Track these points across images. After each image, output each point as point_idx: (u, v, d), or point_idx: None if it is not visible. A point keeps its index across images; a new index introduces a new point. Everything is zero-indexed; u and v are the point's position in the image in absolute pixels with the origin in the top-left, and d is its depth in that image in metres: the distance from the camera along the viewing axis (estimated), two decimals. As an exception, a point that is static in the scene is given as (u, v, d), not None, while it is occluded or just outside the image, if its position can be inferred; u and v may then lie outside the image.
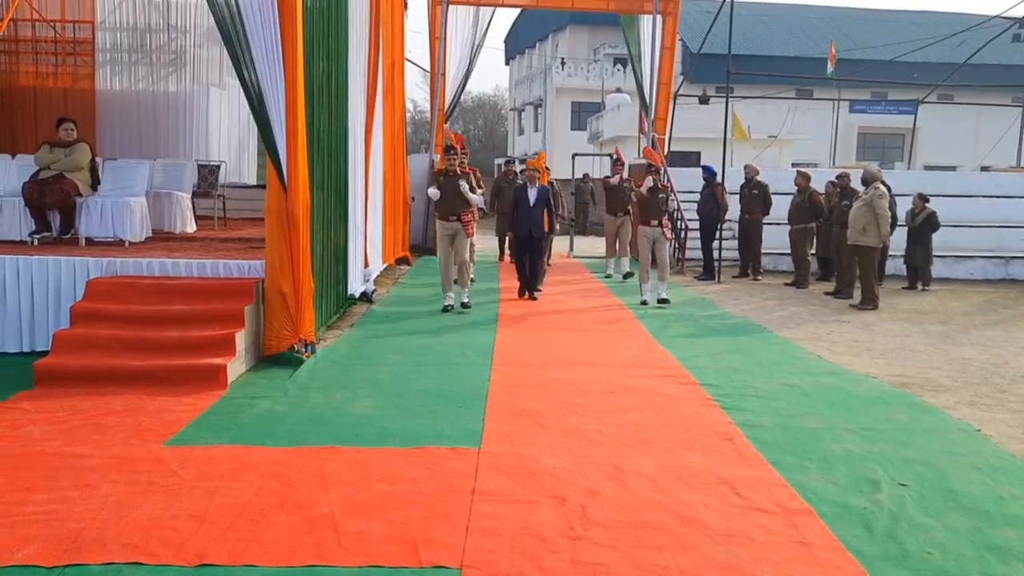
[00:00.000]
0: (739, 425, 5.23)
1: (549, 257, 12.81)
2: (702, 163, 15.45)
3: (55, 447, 4.70)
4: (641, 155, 18.21)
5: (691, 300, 10.95)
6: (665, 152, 15.65)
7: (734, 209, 13.83)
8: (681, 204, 14.66)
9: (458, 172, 9.63)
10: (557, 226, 11.75)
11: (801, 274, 12.58)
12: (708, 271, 13.29)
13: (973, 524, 3.76)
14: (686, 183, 15.78)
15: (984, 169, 27.38)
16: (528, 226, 10.23)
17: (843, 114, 31.72)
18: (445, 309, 9.57)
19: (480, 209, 10.43)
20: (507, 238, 14.20)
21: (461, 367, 6.79)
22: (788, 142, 29.49)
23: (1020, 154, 28.30)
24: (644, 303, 10.33)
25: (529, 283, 10.46)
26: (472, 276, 10.35)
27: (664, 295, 10.43)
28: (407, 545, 3.50)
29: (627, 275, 12.67)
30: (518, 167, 14.27)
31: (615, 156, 13.20)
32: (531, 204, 10.15)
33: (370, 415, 5.42)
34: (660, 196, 10.45)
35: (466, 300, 9.77)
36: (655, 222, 10.47)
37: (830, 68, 23.10)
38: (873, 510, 3.91)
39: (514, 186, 12.02)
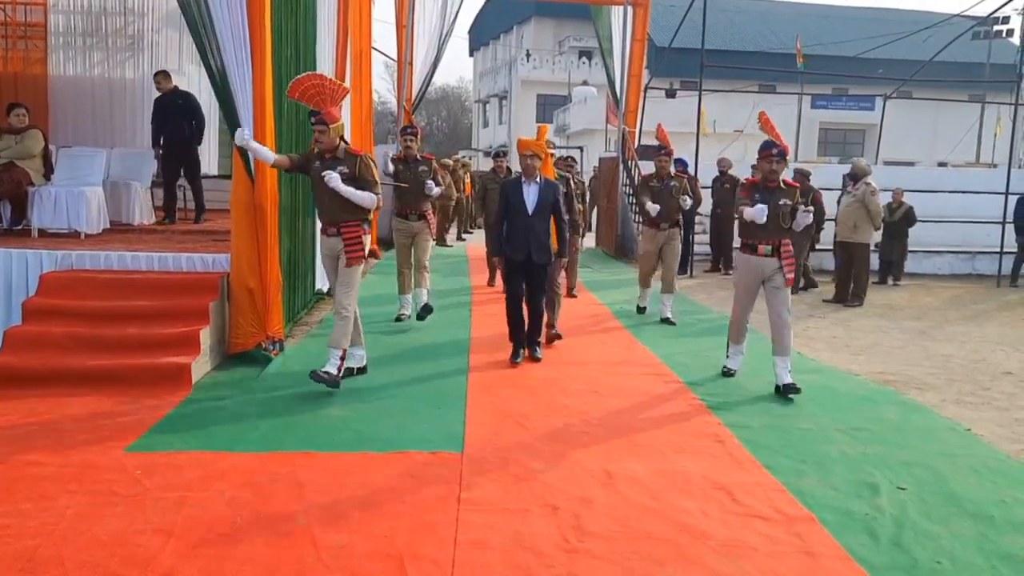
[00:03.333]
0: (729, 426, 5.08)
1: (571, 288, 9.93)
2: (675, 158, 15.34)
3: (6, 454, 4.38)
4: (614, 146, 18.11)
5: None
6: (636, 145, 15.53)
7: (706, 203, 13.74)
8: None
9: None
10: (569, 248, 7.88)
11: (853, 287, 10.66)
12: (681, 265, 13.19)
13: (979, 530, 3.65)
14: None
15: (942, 165, 27.83)
16: (525, 246, 6.46)
17: (805, 109, 31.99)
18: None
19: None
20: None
21: (438, 365, 6.56)
22: (751, 137, 29.65)
23: (979, 150, 28.83)
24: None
25: (528, 337, 6.76)
26: (428, 286, 8.20)
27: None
28: (392, 561, 3.28)
29: (664, 320, 8.65)
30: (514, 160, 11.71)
31: (659, 142, 8.91)
32: (529, 211, 6.46)
33: (345, 417, 5.17)
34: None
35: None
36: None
37: (800, 63, 23.20)
38: (876, 516, 3.78)
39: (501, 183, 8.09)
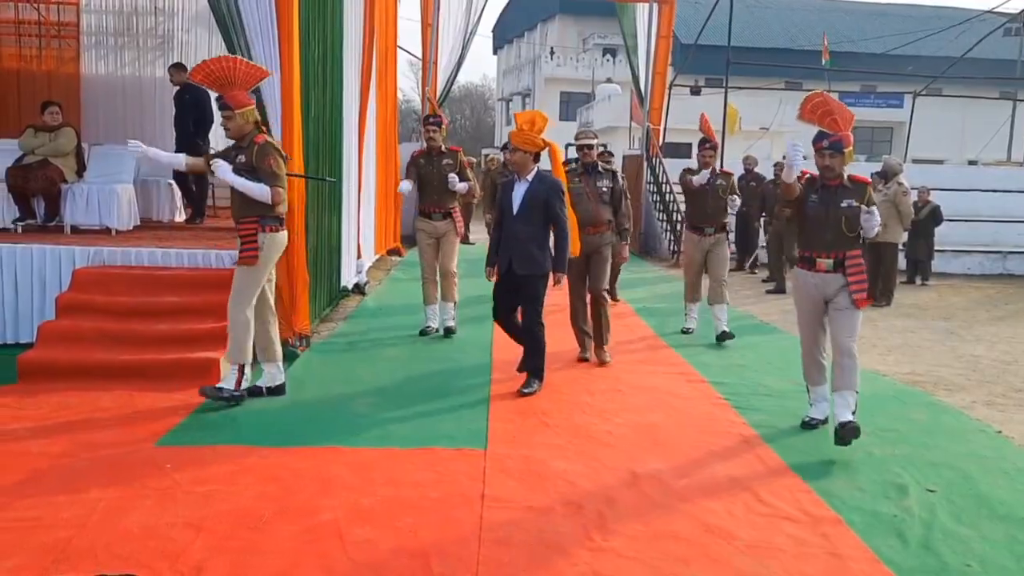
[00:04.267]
0: (754, 426, 5.06)
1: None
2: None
3: (40, 447, 4.46)
4: (638, 144, 18.05)
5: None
6: (660, 143, 15.47)
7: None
8: (677, 196, 14.49)
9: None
10: (617, 256, 6.86)
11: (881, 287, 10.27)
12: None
13: (1010, 533, 3.60)
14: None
15: (972, 163, 27.42)
16: (506, 254, 5.66)
17: (833, 107, 31.60)
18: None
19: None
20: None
21: (460, 362, 6.59)
22: (779, 134, 29.40)
23: (1010, 148, 28.38)
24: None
25: (523, 363, 5.84)
26: (456, 298, 7.55)
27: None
28: (417, 557, 3.30)
29: (722, 336, 7.53)
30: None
31: (703, 136, 7.78)
32: (514, 212, 5.66)
33: (370, 413, 5.21)
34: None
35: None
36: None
37: (825, 60, 22.98)
38: (904, 518, 3.74)
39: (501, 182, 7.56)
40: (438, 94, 15.92)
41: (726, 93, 13.32)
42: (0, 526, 3.46)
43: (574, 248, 5.92)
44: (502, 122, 51.69)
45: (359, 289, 9.71)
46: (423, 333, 7.50)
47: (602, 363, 6.54)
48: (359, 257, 9.89)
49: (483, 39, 54.65)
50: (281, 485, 4.00)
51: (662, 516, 3.74)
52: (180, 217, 9.32)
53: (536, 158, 5.64)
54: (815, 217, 4.75)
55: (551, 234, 5.70)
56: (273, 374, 5.51)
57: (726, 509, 3.81)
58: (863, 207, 4.66)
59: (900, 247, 11.49)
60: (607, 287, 6.75)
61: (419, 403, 5.43)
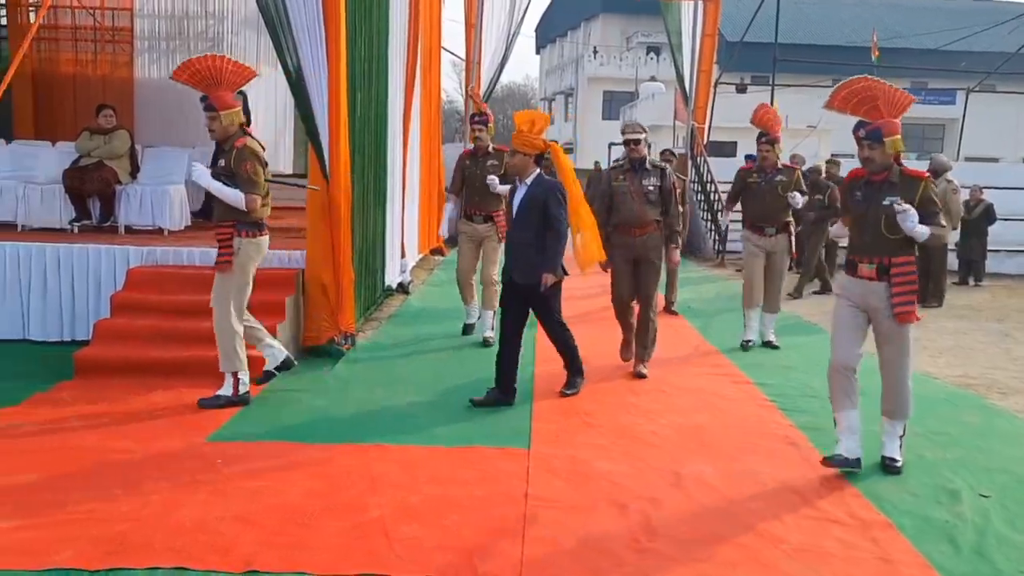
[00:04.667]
0: (801, 428, 4.99)
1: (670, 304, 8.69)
2: (744, 154, 15.10)
3: (96, 441, 4.59)
4: (682, 143, 17.89)
5: (735, 294, 10.65)
6: (705, 142, 15.33)
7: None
8: (722, 196, 14.34)
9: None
10: (668, 260, 6.64)
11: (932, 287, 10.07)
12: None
13: (1068, 542, 3.51)
14: (726, 173, 15.42)
15: (1029, 161, 26.66)
16: (508, 263, 5.53)
17: (882, 104, 30.97)
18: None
19: None
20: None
21: (453, 377, 6.55)
22: (827, 132, 28.91)
23: (1068, 146, 27.51)
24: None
25: (569, 370, 5.74)
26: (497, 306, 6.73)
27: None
28: (462, 554, 3.32)
29: (767, 346, 7.31)
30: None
31: (759, 128, 7.11)
32: (514, 218, 5.47)
33: (415, 412, 5.26)
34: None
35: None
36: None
37: (874, 56, 22.54)
38: (956, 523, 3.66)
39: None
40: (481, 94, 15.98)
41: (772, 91, 13.14)
42: (58, 518, 3.57)
43: (588, 255, 5.48)
44: (544, 122, 51.64)
45: (403, 288, 9.79)
46: (465, 331, 7.43)
47: (638, 376, 6.13)
48: (403, 256, 9.96)
49: (526, 39, 54.60)
50: (329, 482, 4.06)
51: (708, 518, 3.71)
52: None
53: (538, 160, 5.40)
54: (856, 216, 4.26)
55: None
56: (273, 353, 5.56)
57: (773, 512, 3.77)
58: (895, 203, 4.03)
59: (951, 247, 11.24)
60: (652, 293, 6.20)
61: (462, 402, 5.45)
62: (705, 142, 15.33)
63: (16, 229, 7.80)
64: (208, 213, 9.19)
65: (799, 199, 7.06)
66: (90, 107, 10.20)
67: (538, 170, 5.42)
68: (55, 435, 4.66)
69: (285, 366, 5.66)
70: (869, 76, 4.17)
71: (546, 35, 52.26)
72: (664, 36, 17.63)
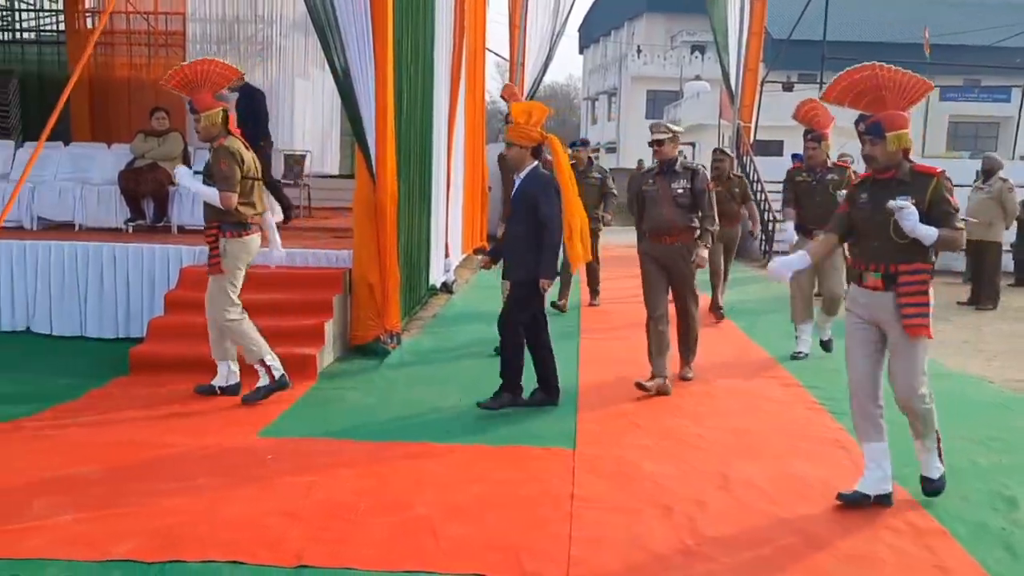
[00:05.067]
0: (851, 432, 4.87)
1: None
2: (791, 153, 14.89)
3: (149, 436, 4.71)
4: (728, 142, 17.69)
5: (781, 296, 10.51)
6: (751, 140, 15.15)
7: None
8: (768, 195, 14.16)
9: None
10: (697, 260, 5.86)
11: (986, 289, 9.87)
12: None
13: None
14: (772, 173, 15.24)
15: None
16: (504, 259, 5.48)
17: (933, 102, 30.34)
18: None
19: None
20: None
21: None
22: (877, 132, 28.29)
23: None
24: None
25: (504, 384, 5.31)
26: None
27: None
28: (509, 552, 3.34)
29: (826, 345, 6.90)
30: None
31: (805, 124, 6.73)
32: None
33: (460, 411, 5.29)
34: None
35: None
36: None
37: (927, 53, 22.04)
38: (1013, 531, 3.58)
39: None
40: (525, 94, 15.99)
41: (821, 89, 12.92)
42: (115, 511, 3.67)
43: (573, 254, 5.14)
44: (587, 121, 51.53)
45: (447, 288, 9.85)
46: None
47: (683, 379, 5.97)
48: (447, 256, 10.03)
49: (569, 38, 54.73)
50: (376, 479, 4.11)
51: (756, 522, 3.67)
52: (278, 217, 9.63)
53: (535, 153, 5.22)
54: (862, 220, 3.80)
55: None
56: (225, 374, 5.48)
57: (823, 517, 3.72)
58: (894, 202, 3.57)
59: (1006, 248, 10.94)
60: (695, 296, 5.89)
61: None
62: (751, 141, 15.15)
63: (74, 229, 8.03)
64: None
65: None
66: (144, 110, 10.44)
67: (535, 163, 5.25)
68: (111, 430, 4.80)
69: (231, 391, 5.44)
70: (878, 63, 3.73)
71: (589, 35, 52.10)
72: (709, 35, 17.49)
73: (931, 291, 3.72)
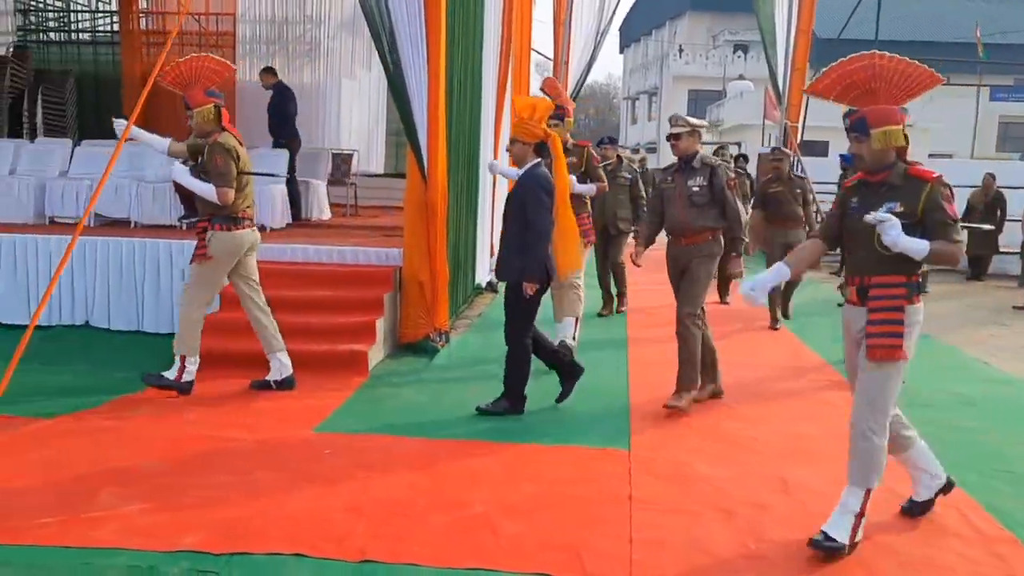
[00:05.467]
0: (910, 437, 4.81)
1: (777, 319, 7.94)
2: (838, 154, 14.66)
3: (208, 429, 4.79)
4: (774, 142, 17.46)
5: (831, 297, 10.36)
6: (798, 141, 14.95)
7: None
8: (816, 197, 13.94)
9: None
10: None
11: None
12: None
13: None
14: (819, 173, 15.01)
15: None
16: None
17: (982, 102, 29.65)
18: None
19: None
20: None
21: (598, 362, 6.56)
22: (924, 131, 27.80)
23: None
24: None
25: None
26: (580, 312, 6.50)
27: None
28: (569, 552, 3.34)
29: None
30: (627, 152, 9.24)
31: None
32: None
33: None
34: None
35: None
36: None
37: (981, 52, 21.52)
38: (1086, 542, 3.48)
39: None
40: (568, 92, 15.95)
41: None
42: (180, 503, 3.74)
43: (563, 261, 5.16)
44: (627, 121, 51.30)
45: (491, 287, 9.87)
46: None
47: (669, 408, 5.22)
48: (492, 255, 10.05)
49: (609, 37, 54.48)
50: (432, 476, 4.14)
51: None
52: (327, 215, 9.75)
53: (538, 150, 5.09)
54: (849, 227, 3.47)
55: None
56: (278, 367, 5.53)
57: (885, 521, 3.66)
58: (871, 216, 3.24)
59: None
60: (697, 310, 5.29)
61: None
62: (799, 141, 14.94)
63: (130, 226, 8.20)
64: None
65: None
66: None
67: (537, 160, 5.09)
68: (170, 423, 4.89)
69: (286, 384, 5.53)
70: (879, 52, 3.36)
71: (630, 34, 51.85)
72: (752, 34, 17.31)
73: (912, 309, 3.33)
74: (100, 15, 13.99)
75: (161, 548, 3.28)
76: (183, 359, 5.39)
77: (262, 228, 8.18)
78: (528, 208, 4.97)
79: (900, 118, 3.31)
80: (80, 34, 13.94)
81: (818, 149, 23.48)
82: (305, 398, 5.42)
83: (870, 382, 3.37)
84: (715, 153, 10.76)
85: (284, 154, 8.94)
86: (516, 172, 5.52)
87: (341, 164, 10.48)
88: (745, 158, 14.82)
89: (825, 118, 23.30)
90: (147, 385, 5.36)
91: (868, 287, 3.36)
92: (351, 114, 12.86)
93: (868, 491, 3.38)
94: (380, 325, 6.35)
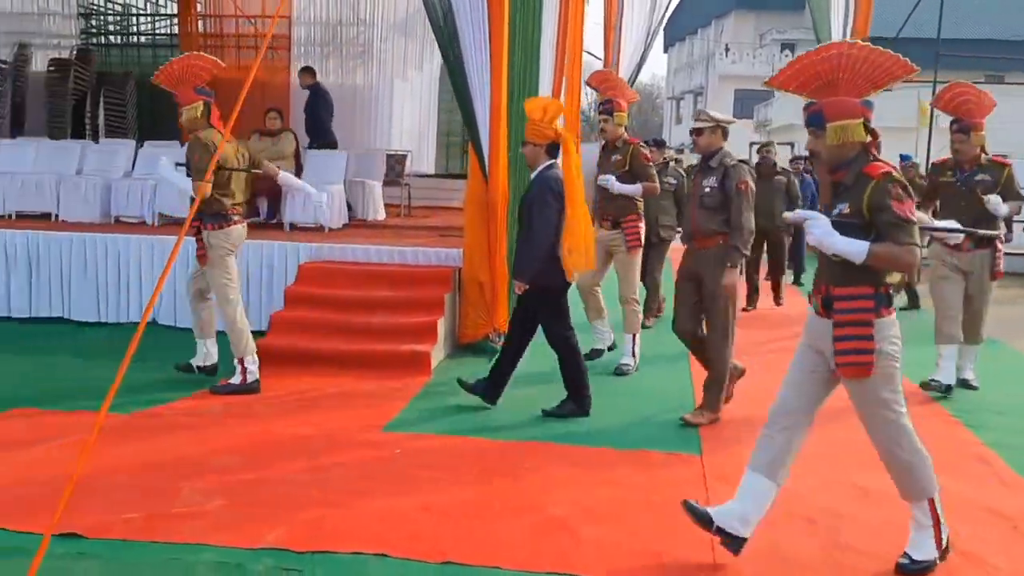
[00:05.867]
0: (991, 446, 4.71)
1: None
2: (900, 154, 14.37)
3: (281, 427, 4.85)
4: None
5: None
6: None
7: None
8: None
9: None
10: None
11: None
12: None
13: None
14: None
15: None
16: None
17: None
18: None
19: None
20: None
21: (660, 365, 6.52)
22: (990, 130, 27.10)
23: None
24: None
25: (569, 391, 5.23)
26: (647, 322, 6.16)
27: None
28: (651, 557, 3.31)
29: (964, 384, 5.87)
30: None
31: (951, 113, 5.72)
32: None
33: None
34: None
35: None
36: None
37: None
38: None
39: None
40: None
41: (934, 88, 12.45)
42: (260, 498, 3.79)
43: (570, 262, 5.05)
44: (671, 121, 50.92)
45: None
46: (590, 356, 6.15)
47: (684, 421, 5.03)
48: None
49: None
50: (505, 478, 4.14)
51: (902, 536, 3.53)
52: (381, 216, 9.81)
53: (550, 151, 5.06)
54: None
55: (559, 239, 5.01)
56: (205, 353, 5.62)
57: (974, 533, 3.57)
58: (791, 214, 3.16)
59: None
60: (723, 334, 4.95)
61: (622, 403, 5.44)
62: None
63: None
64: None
65: (1002, 207, 5.43)
66: (250, 112, 10.74)
67: (550, 162, 5.05)
68: (243, 420, 4.96)
69: (209, 372, 5.63)
70: (849, 42, 3.15)
71: (675, 33, 51.37)
72: (800, 33, 17.05)
73: (882, 323, 3.06)
74: (159, 18, 14.28)
75: (245, 545, 3.32)
76: (241, 362, 5.48)
77: (320, 228, 8.33)
78: (533, 209, 4.98)
79: (859, 111, 3.07)
80: (140, 37, 14.24)
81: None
82: (370, 397, 5.46)
83: (866, 400, 3.18)
84: (758, 152, 10.36)
85: (342, 155, 9.02)
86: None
87: (395, 165, 10.53)
88: (806, 159, 14.55)
89: (880, 119, 22.90)
90: (216, 395, 5.41)
91: (833, 298, 3.11)
92: (402, 115, 12.94)
93: (931, 501, 3.25)
94: (441, 325, 6.38)
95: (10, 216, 8.31)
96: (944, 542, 3.25)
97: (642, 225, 6.24)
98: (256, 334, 6.54)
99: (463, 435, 4.77)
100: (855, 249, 2.97)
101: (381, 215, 9.76)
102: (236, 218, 5.49)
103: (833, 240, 2.98)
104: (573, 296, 5.50)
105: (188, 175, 5.46)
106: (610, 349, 6.53)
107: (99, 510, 3.58)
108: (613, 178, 6.01)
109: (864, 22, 14.82)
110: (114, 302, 7.19)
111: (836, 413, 5.30)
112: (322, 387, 5.61)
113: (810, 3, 15.69)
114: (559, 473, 4.22)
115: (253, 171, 5.74)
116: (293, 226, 8.36)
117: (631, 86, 16.23)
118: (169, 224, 8.44)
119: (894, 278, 3.10)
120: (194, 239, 5.45)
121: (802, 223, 3.07)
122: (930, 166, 6.30)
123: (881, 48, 3.11)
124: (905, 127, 21.50)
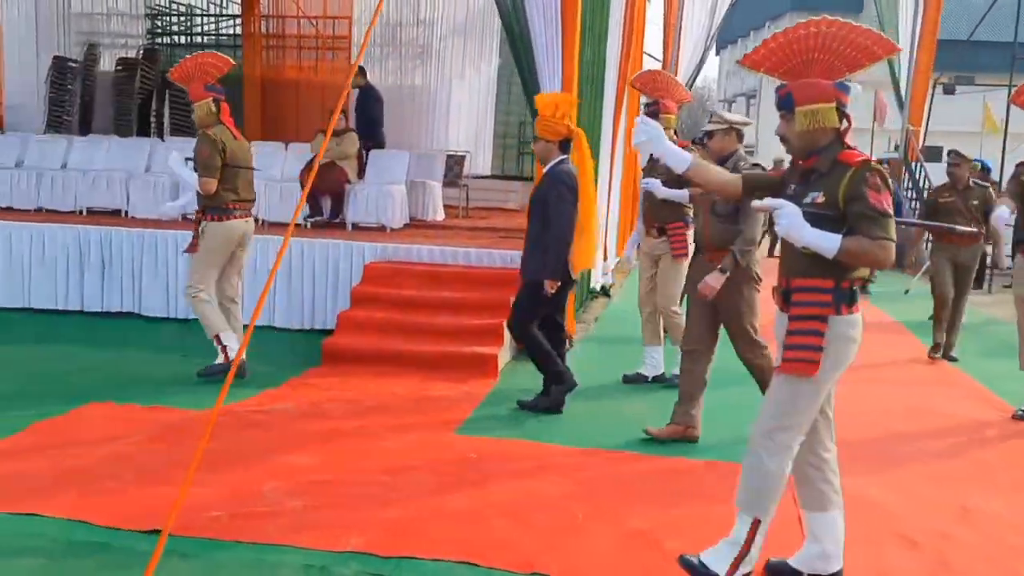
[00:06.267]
0: (1095, 467, 4.47)
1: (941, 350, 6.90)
2: (974, 159, 13.91)
3: (354, 428, 4.81)
4: (886, 146, 16.71)
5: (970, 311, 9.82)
6: (920, 145, 14.29)
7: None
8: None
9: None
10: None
11: None
12: (977, 279, 11.91)
13: None
14: (941, 179, 14.31)
15: None
16: None
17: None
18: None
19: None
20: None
21: (725, 373, 6.32)
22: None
23: None
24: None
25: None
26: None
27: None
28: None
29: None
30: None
31: None
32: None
33: (643, 419, 5.08)
34: None
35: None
36: None
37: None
38: None
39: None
40: (676, 96, 15.64)
41: (1009, 92, 12.00)
42: (339, 500, 3.75)
43: (577, 260, 5.06)
44: (722, 125, 50.28)
45: (604, 291, 9.73)
46: (629, 380, 5.98)
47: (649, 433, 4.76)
48: (604, 259, 9.91)
49: (704, 40, 53.45)
50: (583, 486, 4.04)
51: (1010, 557, 3.37)
52: (440, 217, 9.79)
53: (562, 147, 4.97)
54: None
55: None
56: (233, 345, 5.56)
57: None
58: (759, 202, 2.89)
59: None
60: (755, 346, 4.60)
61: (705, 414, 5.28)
62: (921, 146, 14.29)
63: (257, 223, 8.38)
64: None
65: None
66: (311, 111, 10.83)
67: (562, 157, 4.99)
68: (318, 419, 4.93)
69: (238, 372, 5.26)
70: (828, 18, 2.93)
71: (727, 36, 50.75)
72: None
73: (838, 321, 2.82)
74: (223, 19, 14.48)
75: (330, 548, 3.27)
76: (217, 339, 5.53)
77: (382, 228, 8.32)
78: (549, 205, 4.92)
79: (832, 94, 2.84)
80: (204, 37, 14.45)
81: (932, 155, 22.43)
82: (439, 398, 5.40)
83: (777, 393, 2.94)
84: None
85: (405, 156, 9.01)
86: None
87: (454, 166, 10.50)
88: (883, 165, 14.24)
89: (940, 122, 22.31)
90: (203, 378, 5.51)
91: (791, 290, 2.91)
92: (460, 116, 12.93)
93: (756, 522, 2.97)
94: (506, 328, 6.28)
95: (81, 212, 8.45)
96: (737, 572, 2.98)
97: (689, 233, 5.63)
98: (324, 333, 6.61)
99: (536, 440, 4.68)
100: (827, 244, 2.75)
101: (440, 216, 9.73)
102: (238, 213, 5.60)
103: (802, 232, 2.75)
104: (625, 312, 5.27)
105: (195, 170, 5.56)
106: (655, 380, 5.99)
107: (183, 507, 3.55)
108: (658, 182, 5.55)
109: (933, 22, 14.45)
110: (184, 299, 7.23)
111: (938, 432, 5.13)
112: (390, 387, 5.56)
113: (878, 5, 15.37)
114: (636, 483, 4.10)
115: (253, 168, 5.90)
116: (355, 226, 8.37)
117: (689, 88, 16.08)
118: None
119: (862, 272, 2.88)
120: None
121: (771, 211, 2.82)
122: (1015, 167, 5.95)
123: (864, 26, 2.92)
124: (970, 131, 20.85)
